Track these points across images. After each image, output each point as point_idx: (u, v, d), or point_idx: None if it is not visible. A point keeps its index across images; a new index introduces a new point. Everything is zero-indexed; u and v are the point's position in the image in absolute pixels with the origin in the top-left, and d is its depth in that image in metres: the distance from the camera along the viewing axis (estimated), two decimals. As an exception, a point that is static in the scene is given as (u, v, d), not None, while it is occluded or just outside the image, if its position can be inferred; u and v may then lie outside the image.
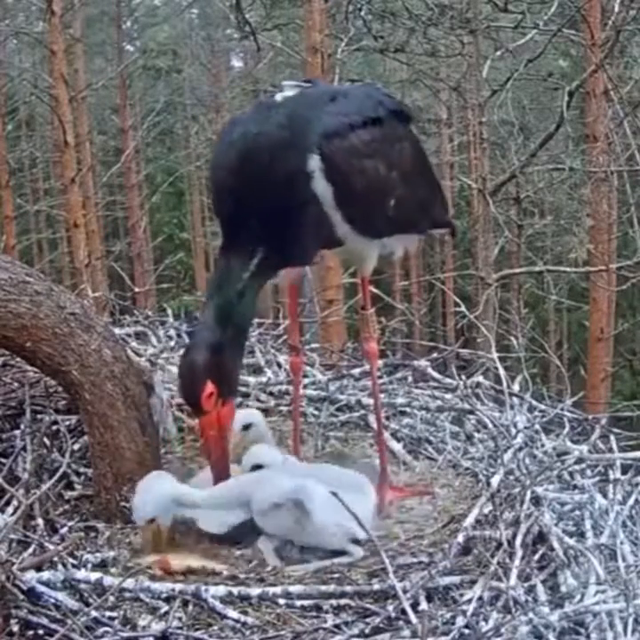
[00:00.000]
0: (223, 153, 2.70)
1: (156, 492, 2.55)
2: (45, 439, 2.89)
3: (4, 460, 2.81)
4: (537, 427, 3.24)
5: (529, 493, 2.65)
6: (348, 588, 2.33)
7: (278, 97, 2.75)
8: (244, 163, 2.61)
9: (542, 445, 3.14)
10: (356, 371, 3.75)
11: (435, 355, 3.99)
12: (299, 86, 2.81)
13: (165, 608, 2.26)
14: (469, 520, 2.56)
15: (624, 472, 2.98)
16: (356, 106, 2.73)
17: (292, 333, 3.13)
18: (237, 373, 2.70)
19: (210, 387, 2.55)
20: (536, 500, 2.68)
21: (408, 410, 3.48)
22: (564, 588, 2.41)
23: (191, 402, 2.62)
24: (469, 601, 2.28)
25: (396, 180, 2.77)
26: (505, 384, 3.43)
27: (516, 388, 3.54)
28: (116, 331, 3.24)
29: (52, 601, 2.22)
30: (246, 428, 2.88)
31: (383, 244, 2.91)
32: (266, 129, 2.62)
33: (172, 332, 3.95)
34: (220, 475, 2.63)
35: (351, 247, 2.82)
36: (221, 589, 2.31)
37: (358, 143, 2.66)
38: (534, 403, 3.44)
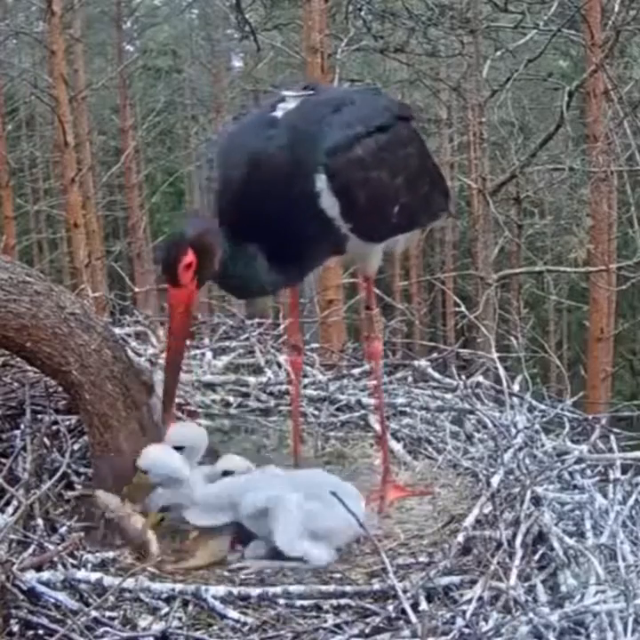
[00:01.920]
0: (227, 168, 2.69)
1: (164, 461, 2.61)
2: (45, 439, 2.88)
3: (4, 460, 2.80)
4: (537, 427, 3.24)
5: (529, 493, 2.65)
6: (348, 588, 2.33)
7: (279, 111, 2.70)
8: (249, 184, 2.60)
9: (542, 445, 3.14)
10: (356, 371, 3.75)
11: (435, 355, 3.99)
12: (300, 96, 2.77)
13: (165, 608, 2.26)
14: (469, 520, 2.56)
15: (624, 472, 2.98)
16: (362, 114, 2.71)
17: (292, 332, 3.14)
18: (219, 266, 2.57)
19: (191, 256, 2.48)
20: (536, 500, 2.68)
21: (408, 410, 3.48)
22: (564, 588, 2.41)
23: (168, 268, 2.51)
24: (469, 601, 2.28)
25: (401, 187, 2.77)
26: (505, 384, 3.43)
27: (516, 388, 3.54)
28: (116, 331, 3.24)
29: (52, 601, 2.22)
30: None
31: (386, 245, 2.92)
32: (269, 151, 2.60)
33: (172, 332, 3.94)
34: (176, 358, 2.59)
35: (355, 252, 2.82)
36: (221, 589, 2.31)
37: (364, 155, 2.64)
38: (534, 403, 3.44)
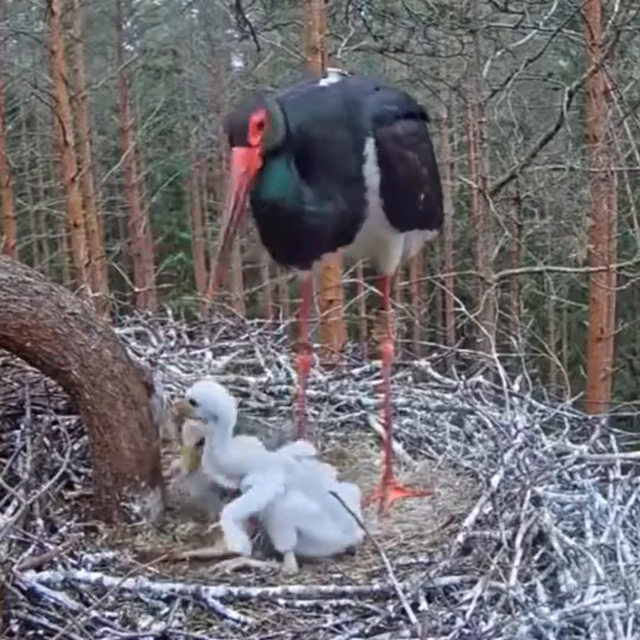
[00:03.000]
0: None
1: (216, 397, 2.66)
2: (45, 439, 2.89)
3: (4, 460, 2.80)
4: (537, 427, 3.24)
5: (529, 493, 2.65)
6: (348, 588, 2.33)
7: (323, 82, 2.80)
8: (305, 128, 2.62)
9: (542, 445, 3.14)
10: (356, 371, 3.75)
11: (435, 355, 3.99)
12: (341, 73, 2.88)
13: (165, 608, 2.26)
14: (469, 520, 2.56)
15: (624, 472, 2.98)
16: (398, 99, 2.81)
17: (303, 331, 3.15)
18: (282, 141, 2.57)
19: (263, 114, 2.50)
20: (536, 500, 2.68)
21: (408, 410, 3.48)
22: (564, 588, 2.41)
23: (238, 125, 2.51)
24: (469, 601, 2.28)
25: (426, 177, 2.84)
26: (505, 384, 3.43)
27: (516, 388, 3.54)
28: (116, 331, 3.24)
29: (52, 601, 2.22)
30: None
31: (406, 238, 2.92)
32: (325, 106, 2.67)
33: (172, 332, 3.95)
34: (229, 228, 2.51)
35: (377, 240, 2.82)
36: (221, 589, 2.31)
37: (403, 134, 2.72)
38: (534, 403, 3.44)
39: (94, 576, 2.32)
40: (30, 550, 2.39)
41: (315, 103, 2.71)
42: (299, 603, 2.29)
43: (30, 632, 2.17)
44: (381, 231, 2.78)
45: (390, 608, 2.25)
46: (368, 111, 2.66)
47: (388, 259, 2.95)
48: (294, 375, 3.63)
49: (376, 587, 2.34)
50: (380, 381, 3.66)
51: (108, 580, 2.30)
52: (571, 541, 2.57)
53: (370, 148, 2.64)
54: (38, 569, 2.31)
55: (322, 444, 3.28)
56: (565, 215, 13.09)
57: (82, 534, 2.57)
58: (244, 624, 2.23)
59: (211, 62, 19.03)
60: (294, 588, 2.33)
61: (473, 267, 12.01)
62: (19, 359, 3.06)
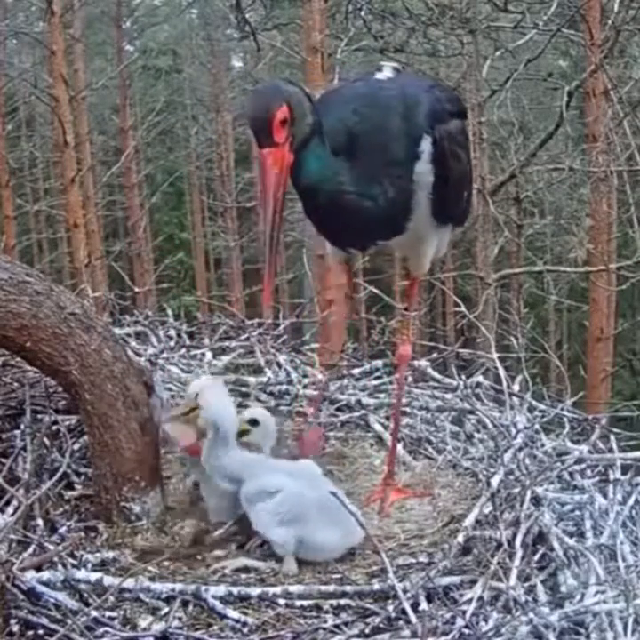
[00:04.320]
0: (335, 101, 2.69)
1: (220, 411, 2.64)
2: (45, 439, 2.89)
3: (4, 460, 2.80)
4: (537, 427, 3.23)
5: (529, 493, 2.65)
6: (348, 588, 2.33)
7: (379, 75, 2.79)
8: (358, 114, 2.61)
9: (542, 445, 3.14)
10: (356, 371, 3.75)
11: (435, 355, 3.99)
12: (394, 68, 2.86)
13: (165, 608, 2.26)
14: (469, 520, 2.56)
15: (624, 472, 2.98)
16: (451, 97, 2.81)
17: (350, 309, 3.17)
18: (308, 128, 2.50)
19: (285, 111, 2.40)
20: (536, 500, 2.68)
21: (408, 410, 3.48)
22: (563, 588, 2.41)
23: (262, 126, 2.40)
24: (469, 601, 2.28)
25: (468, 174, 2.85)
26: (505, 384, 3.43)
27: (516, 388, 3.54)
28: (116, 331, 3.24)
29: (52, 601, 2.22)
30: (253, 423, 2.81)
31: (439, 235, 2.90)
32: (382, 95, 2.66)
33: (172, 332, 3.96)
34: (272, 231, 2.44)
35: (418, 234, 2.79)
36: (221, 589, 2.31)
37: (456, 133, 2.72)
38: (534, 403, 3.43)
39: (94, 576, 2.32)
40: (30, 550, 2.39)
41: (372, 93, 2.68)
42: (299, 603, 2.29)
43: (30, 632, 2.17)
44: (421, 227, 2.75)
45: (390, 608, 2.25)
46: (425, 108, 2.64)
47: (421, 259, 2.92)
48: (294, 375, 3.63)
49: (376, 587, 2.34)
50: (380, 381, 3.67)
51: (108, 580, 2.30)
52: (571, 541, 2.57)
53: (426, 145, 2.61)
54: (38, 569, 2.31)
55: (322, 444, 3.28)
56: (565, 215, 13.09)
57: (82, 534, 2.57)
58: (244, 624, 2.23)
59: (211, 62, 19.04)
60: (294, 588, 2.33)
61: (472, 267, 12.01)
62: (19, 359, 3.06)
